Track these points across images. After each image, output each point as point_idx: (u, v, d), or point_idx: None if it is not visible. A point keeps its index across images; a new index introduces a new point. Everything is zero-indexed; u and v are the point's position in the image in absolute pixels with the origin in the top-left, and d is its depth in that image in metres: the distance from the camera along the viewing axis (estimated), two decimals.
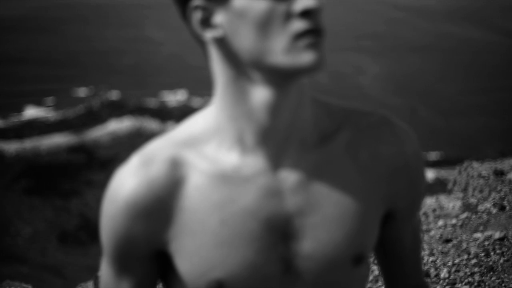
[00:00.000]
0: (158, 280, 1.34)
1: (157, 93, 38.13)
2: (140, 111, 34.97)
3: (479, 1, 55.98)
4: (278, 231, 1.22)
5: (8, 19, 50.74)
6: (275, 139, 1.20)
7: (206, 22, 1.16)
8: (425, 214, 5.41)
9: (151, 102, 36.47)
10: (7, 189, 28.65)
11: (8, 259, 25.24)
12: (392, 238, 1.38)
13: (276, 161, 1.22)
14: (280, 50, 1.11)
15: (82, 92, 39.16)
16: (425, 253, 4.64)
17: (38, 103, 36.77)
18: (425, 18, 54.23)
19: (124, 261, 1.27)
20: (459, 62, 45.18)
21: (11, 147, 31.23)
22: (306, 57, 1.11)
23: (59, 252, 26.38)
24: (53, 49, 46.32)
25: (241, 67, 1.16)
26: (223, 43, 1.16)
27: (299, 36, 1.11)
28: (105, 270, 1.31)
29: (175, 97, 38.20)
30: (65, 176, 29.91)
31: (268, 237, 1.21)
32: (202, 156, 1.22)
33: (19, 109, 35.35)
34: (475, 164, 6.53)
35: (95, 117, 34.27)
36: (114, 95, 37.07)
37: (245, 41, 1.13)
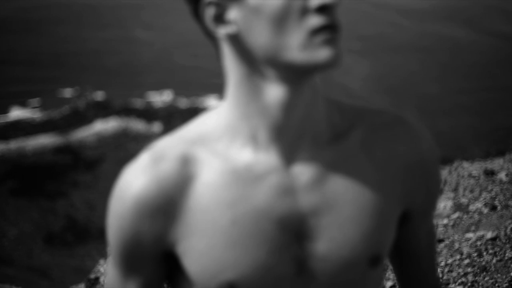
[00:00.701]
0: (165, 283, 1.30)
1: (143, 94, 38.08)
2: (126, 111, 34.90)
3: (466, 1, 56.25)
4: (292, 231, 1.19)
5: None
6: (289, 136, 1.18)
7: (220, 19, 1.14)
8: None
9: (137, 103, 36.41)
10: None
11: None
12: (408, 238, 1.35)
13: (289, 158, 1.19)
14: (296, 46, 1.09)
15: (67, 93, 39.02)
16: None
17: (24, 104, 36.63)
18: (412, 18, 54.42)
19: (131, 262, 1.24)
20: (445, 62, 45.37)
21: None
22: (322, 53, 1.09)
23: (46, 253, 26.28)
24: (38, 50, 46.12)
25: (255, 64, 1.14)
26: (236, 40, 1.14)
27: (316, 32, 1.09)
28: (111, 272, 1.29)
29: (161, 98, 38.14)
30: (51, 177, 29.80)
31: (281, 237, 1.18)
32: (214, 154, 1.19)
33: (4, 110, 35.18)
34: (465, 164, 6.55)
35: (81, 117, 34.18)
36: (99, 95, 36.98)
37: (260, 37, 1.11)
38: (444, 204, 5.59)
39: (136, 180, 1.19)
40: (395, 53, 47.23)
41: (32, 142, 31.99)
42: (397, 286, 1.51)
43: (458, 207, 5.52)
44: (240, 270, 1.18)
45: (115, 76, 41.96)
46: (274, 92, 1.15)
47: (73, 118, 34.15)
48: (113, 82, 40.15)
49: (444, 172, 6.39)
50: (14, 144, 31.65)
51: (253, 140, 1.18)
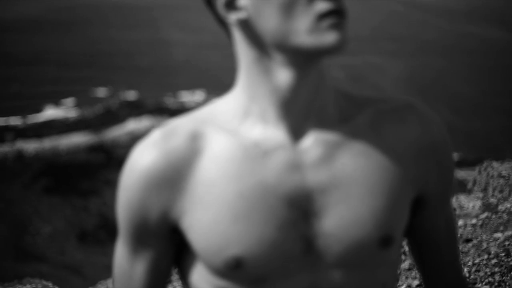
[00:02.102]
0: (173, 268, 1.31)
1: (175, 94, 38.24)
2: (158, 111, 35.08)
3: (500, 1, 55.61)
4: (299, 208, 1.19)
5: (25, 20, 50.97)
6: (296, 114, 1.20)
7: (231, 5, 1.17)
8: None
9: (170, 102, 36.57)
10: (26, 188, 28.83)
11: (27, 258, 25.41)
12: (425, 227, 1.34)
13: (297, 135, 1.21)
14: (304, 31, 1.12)
15: (100, 92, 39.34)
16: None
17: (57, 103, 36.97)
18: (446, 19, 53.97)
19: (139, 237, 1.25)
20: (479, 63, 44.94)
21: (31, 146, 31.40)
22: (329, 37, 1.12)
23: (78, 251, 26.50)
24: (71, 50, 46.49)
25: (264, 48, 1.18)
26: (247, 25, 1.17)
27: (323, 16, 1.11)
28: (120, 251, 1.30)
29: (193, 98, 38.27)
30: (84, 176, 30.06)
31: (288, 213, 1.18)
32: (224, 131, 1.22)
33: (39, 110, 35.54)
34: (495, 164, 6.50)
35: (114, 117, 34.40)
36: (132, 95, 37.21)
37: (269, 22, 1.14)
38: (473, 204, 5.57)
39: (145, 154, 1.21)
40: (429, 54, 46.88)
41: (66, 141, 32.27)
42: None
43: (487, 207, 5.50)
44: (246, 245, 1.17)
45: (148, 76, 42.18)
46: (282, 75, 1.18)
47: (106, 117, 34.37)
48: (146, 82, 40.36)
49: (474, 172, 6.35)
50: (48, 143, 31.96)
51: (263, 120, 1.21)
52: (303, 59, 1.16)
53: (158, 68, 43.97)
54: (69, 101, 37.40)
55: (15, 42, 46.51)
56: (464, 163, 23.79)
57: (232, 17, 1.18)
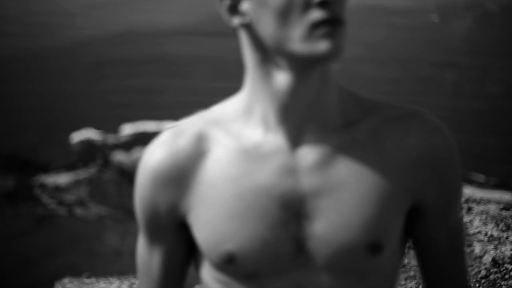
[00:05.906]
0: (190, 260, 1.39)
1: None
2: None
3: None
4: (292, 210, 1.23)
5: (181, 28, 53.04)
6: (296, 119, 1.23)
7: (234, 9, 1.21)
8: None
9: None
10: None
11: None
12: (426, 237, 1.34)
13: (295, 141, 1.24)
14: (298, 38, 1.14)
15: None
16: None
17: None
18: None
19: (153, 230, 1.34)
20: None
21: None
22: (321, 46, 1.13)
23: None
24: (224, 59, 47.87)
25: (266, 52, 1.21)
26: (250, 29, 1.21)
27: (316, 25, 1.13)
28: (140, 242, 1.39)
29: None
30: None
31: (281, 214, 1.23)
32: (228, 134, 1.27)
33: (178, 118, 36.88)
34: None
35: None
36: None
37: (267, 28, 1.17)
38: None
39: (155, 153, 1.30)
40: None
41: None
42: None
43: None
44: (239, 242, 1.23)
45: None
46: (283, 78, 1.21)
47: None
48: None
49: None
50: None
51: (264, 122, 1.25)
52: (301, 65, 1.18)
53: None
54: None
55: (172, 51, 48.51)
56: None
57: (235, 21, 1.22)
